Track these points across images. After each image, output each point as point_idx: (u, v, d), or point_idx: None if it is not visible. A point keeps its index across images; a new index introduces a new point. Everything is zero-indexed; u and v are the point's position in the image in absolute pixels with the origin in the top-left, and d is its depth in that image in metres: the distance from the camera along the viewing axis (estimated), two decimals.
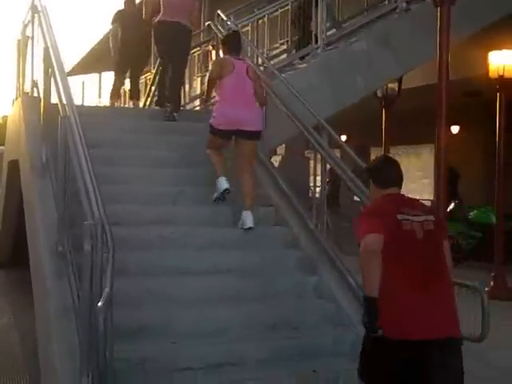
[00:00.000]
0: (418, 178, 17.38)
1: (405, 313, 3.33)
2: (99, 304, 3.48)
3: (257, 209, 6.07)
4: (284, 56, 10.51)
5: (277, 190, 6.47)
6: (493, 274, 9.34)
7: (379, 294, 3.29)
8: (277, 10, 10.71)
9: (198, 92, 10.25)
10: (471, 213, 12.00)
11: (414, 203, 3.66)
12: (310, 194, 8.24)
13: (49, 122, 5.61)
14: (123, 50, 9.23)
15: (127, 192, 5.96)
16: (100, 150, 6.00)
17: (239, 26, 8.57)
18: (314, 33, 9.01)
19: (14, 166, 7.28)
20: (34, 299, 5.26)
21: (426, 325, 3.32)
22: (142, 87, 11.00)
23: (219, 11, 8.44)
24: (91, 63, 22.86)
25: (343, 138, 18.51)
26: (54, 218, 5.05)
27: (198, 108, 9.48)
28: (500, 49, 9.58)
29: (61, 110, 5.00)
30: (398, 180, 3.69)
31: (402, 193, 3.69)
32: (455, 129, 14.94)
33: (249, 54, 7.90)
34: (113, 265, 3.70)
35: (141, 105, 9.79)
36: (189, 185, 6.31)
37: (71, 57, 24.88)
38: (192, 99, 10.09)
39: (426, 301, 3.35)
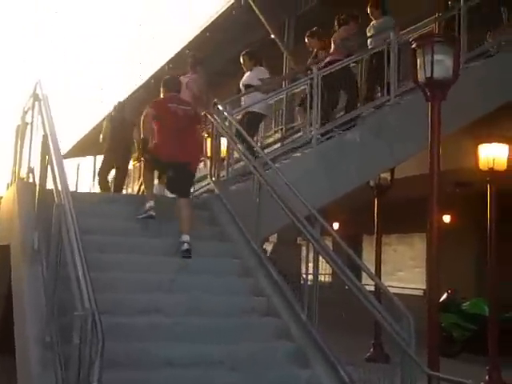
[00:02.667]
0: (411, 266, 17.36)
1: (163, 147, 6.83)
2: None
3: (250, 298, 6.03)
4: (279, 145, 10.69)
5: (268, 279, 6.43)
6: (487, 368, 9.20)
7: (155, 138, 6.95)
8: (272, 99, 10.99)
9: None
10: (464, 304, 11.91)
11: (182, 100, 7.43)
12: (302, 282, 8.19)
13: (43, 208, 5.62)
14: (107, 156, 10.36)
15: (119, 279, 5.91)
16: (92, 236, 5.99)
17: (235, 115, 8.71)
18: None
19: (4, 250, 7.23)
20: None
21: (174, 154, 6.78)
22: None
23: (216, 100, 8.61)
24: (86, 147, 23.15)
25: (336, 225, 18.61)
26: (42, 307, 4.97)
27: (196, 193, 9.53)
28: (490, 141, 9.75)
29: (56, 197, 5.02)
30: (174, 88, 7.35)
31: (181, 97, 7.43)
32: (447, 218, 15.04)
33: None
34: (102, 358, 3.62)
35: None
36: (180, 273, 6.28)
37: (68, 139, 25.26)
38: None
39: (177, 142, 6.79)
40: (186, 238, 6.56)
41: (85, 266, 4.17)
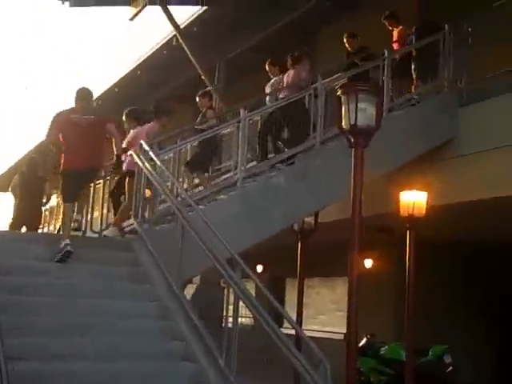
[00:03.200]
0: (333, 310, 17.43)
1: (69, 157, 7.44)
2: None
3: (168, 342, 5.91)
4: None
5: (188, 323, 6.34)
6: None
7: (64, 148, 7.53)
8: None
9: None
10: (382, 349, 12.03)
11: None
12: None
13: None
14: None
15: (34, 323, 5.71)
16: (7, 277, 5.79)
17: (161, 156, 8.64)
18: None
19: None
20: None
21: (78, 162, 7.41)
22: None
23: (142, 141, 8.53)
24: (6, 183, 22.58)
25: (259, 268, 18.61)
26: None
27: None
28: (411, 188, 9.98)
29: None
30: (81, 101, 7.67)
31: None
32: (369, 263, 15.25)
33: (169, 185, 7.97)
34: None
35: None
36: (100, 316, 6.12)
37: None
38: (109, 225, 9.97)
39: (81, 151, 7.38)
40: (67, 241, 6.92)
41: None
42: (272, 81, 10.63)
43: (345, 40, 11.00)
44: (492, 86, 9.80)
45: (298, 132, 9.61)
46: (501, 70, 9.72)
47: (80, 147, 7.42)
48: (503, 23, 9.67)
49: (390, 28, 11.19)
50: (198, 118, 10.39)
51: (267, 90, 10.62)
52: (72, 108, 7.76)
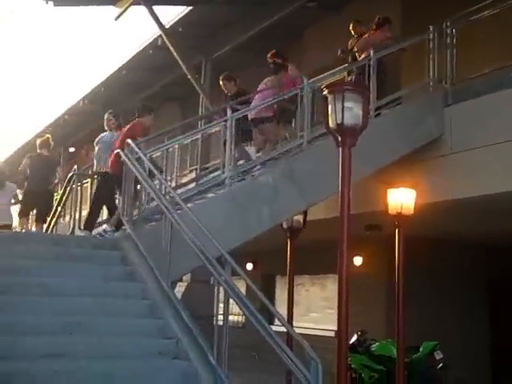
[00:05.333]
0: (323, 307, 17.50)
1: None
2: None
3: (158, 340, 5.92)
4: (193, 184, 10.68)
5: (178, 321, 6.33)
6: None
7: None
8: (188, 139, 11.04)
9: (105, 217, 10.26)
10: (373, 345, 12.08)
11: None
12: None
13: None
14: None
15: (19, 322, 5.68)
16: None
17: (149, 154, 8.64)
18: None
19: None
20: None
21: None
22: None
23: (129, 140, 8.52)
24: None
25: (249, 266, 18.65)
26: None
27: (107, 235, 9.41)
28: (399, 186, 10.04)
29: None
30: None
31: None
32: (358, 260, 15.31)
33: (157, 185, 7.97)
34: None
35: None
36: (87, 314, 6.11)
37: None
38: (99, 224, 9.99)
39: None
40: None
41: None
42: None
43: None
44: (477, 86, 9.88)
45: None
46: (485, 69, 9.82)
47: None
48: (485, 24, 9.79)
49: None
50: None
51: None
52: None
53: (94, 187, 10.13)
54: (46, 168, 10.64)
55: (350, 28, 11.59)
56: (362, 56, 10.84)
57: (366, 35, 11.18)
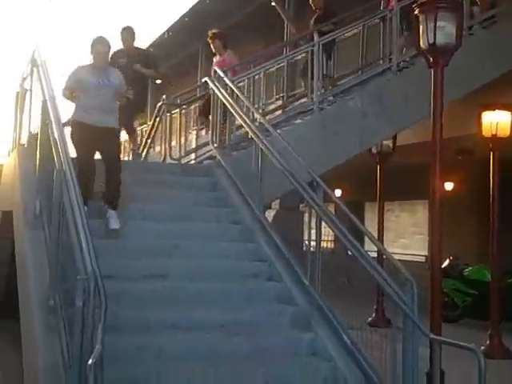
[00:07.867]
0: (412, 233, 17.39)
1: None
2: (90, 361, 3.41)
3: (252, 263, 6.07)
4: (280, 112, 10.64)
5: (270, 244, 6.44)
6: (489, 333, 9.25)
7: None
8: (273, 67, 10.94)
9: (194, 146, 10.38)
10: (466, 270, 11.94)
11: None
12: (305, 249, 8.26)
13: (44, 174, 5.61)
14: None
15: (122, 245, 5.93)
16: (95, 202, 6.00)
17: (236, 82, 8.64)
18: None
19: (7, 216, 7.25)
20: (23, 353, 5.17)
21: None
22: None
23: (216, 67, 8.56)
24: None
25: (338, 192, 18.60)
26: (45, 271, 4.99)
27: (192, 162, 9.58)
28: (493, 107, 9.68)
29: (57, 163, 5.01)
30: None
31: None
32: (449, 186, 15.01)
33: (244, 110, 7.97)
34: (104, 321, 3.65)
35: None
36: (183, 238, 6.30)
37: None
38: (188, 153, 10.16)
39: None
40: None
41: (87, 231, 4.18)
42: None
43: None
44: None
45: None
46: None
47: None
48: None
49: None
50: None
51: None
52: None
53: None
54: None
55: None
56: None
57: None
